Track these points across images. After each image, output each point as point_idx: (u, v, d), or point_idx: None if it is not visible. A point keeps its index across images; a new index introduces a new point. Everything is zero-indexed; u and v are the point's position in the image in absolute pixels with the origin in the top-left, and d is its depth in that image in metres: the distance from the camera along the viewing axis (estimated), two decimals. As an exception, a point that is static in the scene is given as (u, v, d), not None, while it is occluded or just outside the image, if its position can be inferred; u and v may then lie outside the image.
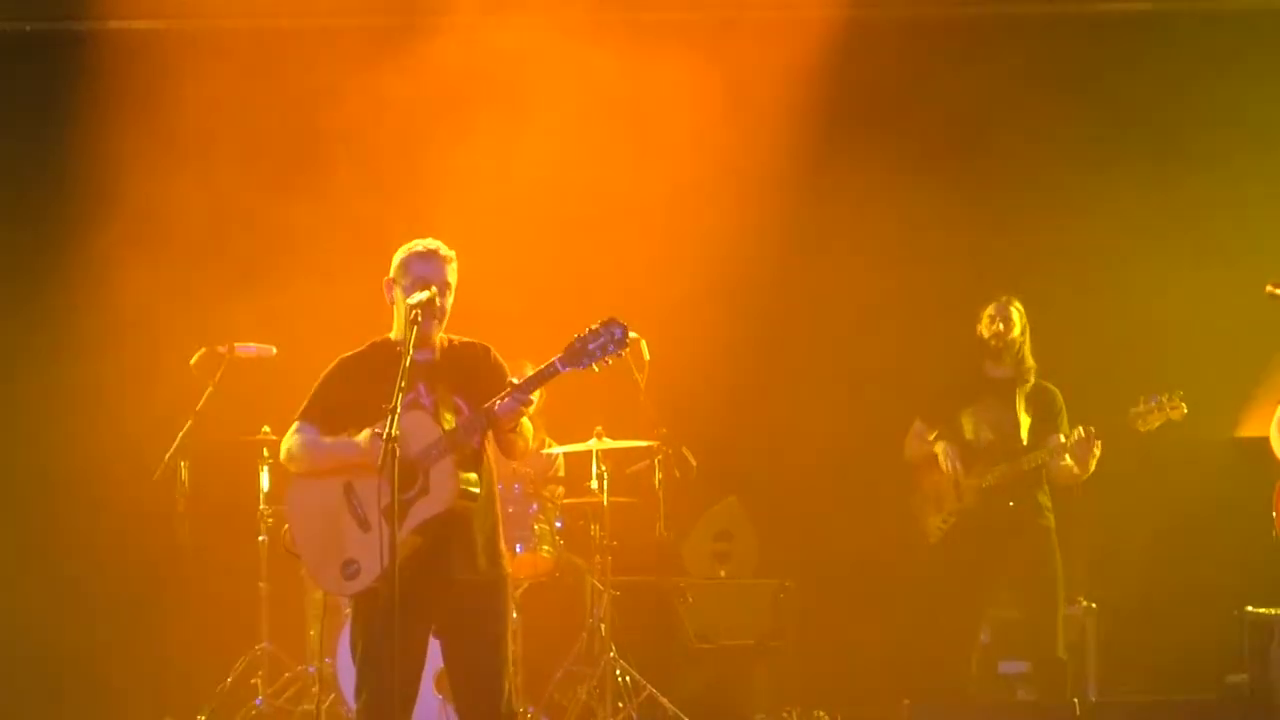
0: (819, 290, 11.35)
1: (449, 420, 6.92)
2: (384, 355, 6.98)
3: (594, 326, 6.77)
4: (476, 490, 6.94)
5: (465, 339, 7.28)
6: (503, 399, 6.82)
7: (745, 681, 10.25)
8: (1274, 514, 7.84)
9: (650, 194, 10.86)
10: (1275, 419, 7.91)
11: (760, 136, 10.97)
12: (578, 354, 6.76)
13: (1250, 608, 9.09)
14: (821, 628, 10.94)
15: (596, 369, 6.79)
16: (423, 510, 6.78)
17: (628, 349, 6.83)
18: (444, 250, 7.17)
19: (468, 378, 7.10)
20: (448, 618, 7.00)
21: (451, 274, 7.16)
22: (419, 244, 7.19)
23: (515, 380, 6.95)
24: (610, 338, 6.73)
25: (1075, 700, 8.76)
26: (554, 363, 6.81)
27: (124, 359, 10.84)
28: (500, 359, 7.28)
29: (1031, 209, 11.21)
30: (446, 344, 7.21)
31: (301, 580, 9.86)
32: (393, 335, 7.18)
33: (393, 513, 6.46)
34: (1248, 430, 7.90)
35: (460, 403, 7.02)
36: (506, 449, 7.15)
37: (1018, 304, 9.56)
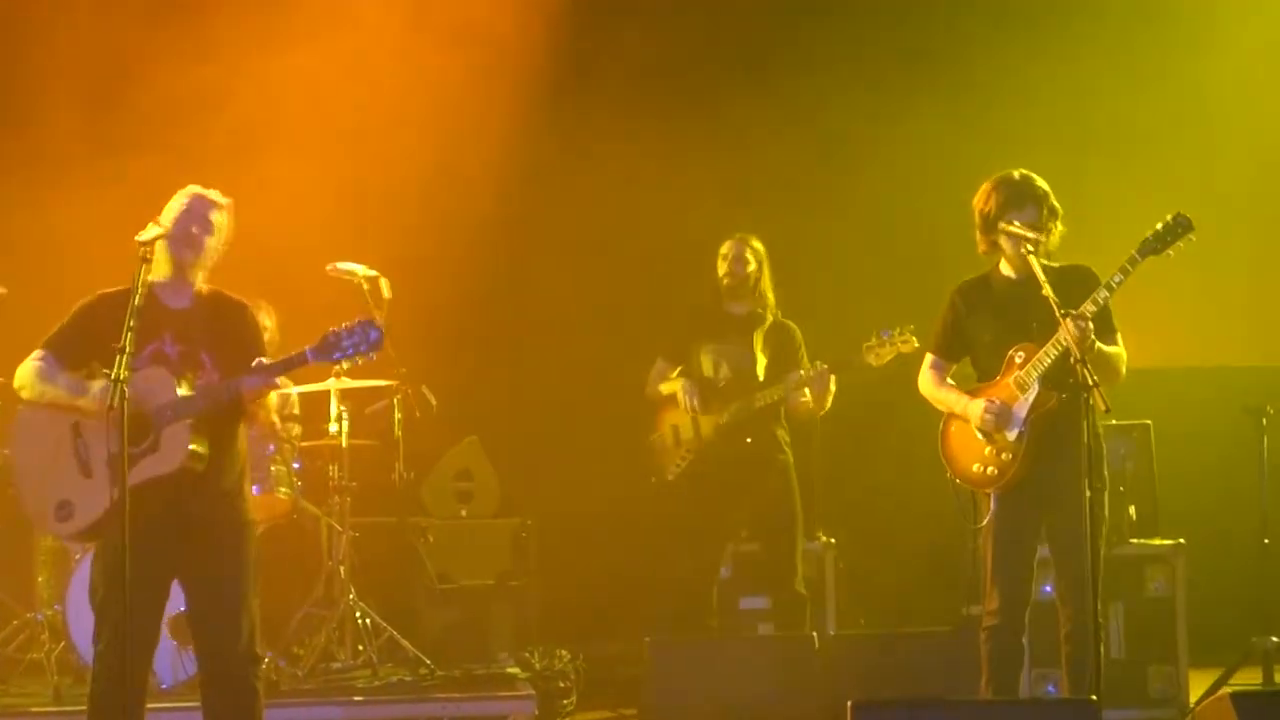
0: (559, 228, 11.36)
1: (190, 379, 6.83)
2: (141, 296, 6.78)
3: (349, 324, 6.80)
4: (205, 454, 6.82)
5: (225, 292, 7.19)
6: (249, 376, 6.80)
7: (487, 621, 10.21)
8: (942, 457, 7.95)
9: (389, 129, 10.76)
10: (924, 364, 8.02)
11: (500, 71, 10.90)
12: (330, 347, 6.79)
13: (985, 541, 9.27)
14: (563, 566, 11.02)
15: (345, 365, 6.87)
16: (149, 468, 6.70)
17: (379, 351, 6.86)
18: (215, 196, 7.08)
19: (219, 334, 7.04)
20: (189, 562, 6.93)
21: (217, 216, 7.06)
22: (194, 188, 7.09)
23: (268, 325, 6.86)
24: (364, 338, 6.78)
25: (814, 634, 8.87)
26: (305, 352, 6.84)
27: None
28: (256, 319, 7.26)
29: (772, 143, 11.30)
30: (205, 294, 7.11)
31: (29, 526, 9.61)
32: (152, 277, 6.97)
33: (121, 462, 6.32)
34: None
35: (206, 359, 6.97)
36: (248, 419, 7.12)
37: (755, 241, 9.59)
